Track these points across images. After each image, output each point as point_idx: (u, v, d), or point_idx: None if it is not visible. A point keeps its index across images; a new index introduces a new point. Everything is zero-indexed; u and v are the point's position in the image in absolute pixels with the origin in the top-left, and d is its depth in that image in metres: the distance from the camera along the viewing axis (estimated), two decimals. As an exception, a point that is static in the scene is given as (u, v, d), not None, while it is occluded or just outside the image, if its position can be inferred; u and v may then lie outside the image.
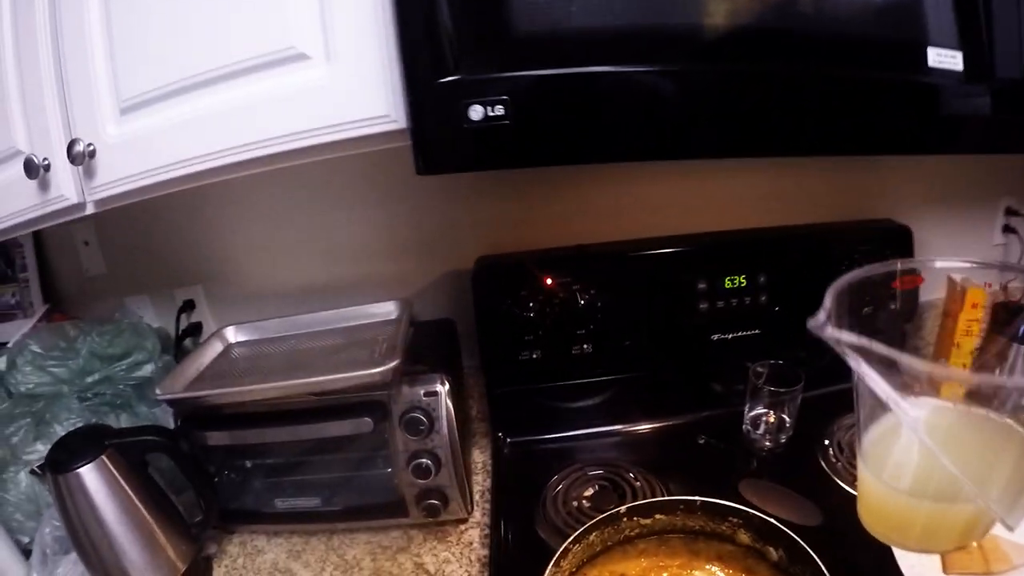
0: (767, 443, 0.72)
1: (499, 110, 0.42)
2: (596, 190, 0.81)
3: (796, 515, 0.58)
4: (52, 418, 0.68)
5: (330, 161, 0.52)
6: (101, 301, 0.86)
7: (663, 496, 0.63)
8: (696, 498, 0.53)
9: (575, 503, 0.65)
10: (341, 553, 0.66)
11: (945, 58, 0.52)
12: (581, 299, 0.73)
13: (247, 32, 0.50)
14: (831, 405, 0.71)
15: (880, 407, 0.35)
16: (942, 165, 0.84)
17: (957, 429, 0.38)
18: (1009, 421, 0.36)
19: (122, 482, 0.58)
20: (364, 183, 0.79)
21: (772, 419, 0.72)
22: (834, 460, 0.69)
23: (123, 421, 0.72)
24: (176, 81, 0.52)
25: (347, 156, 0.51)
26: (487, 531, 0.66)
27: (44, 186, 0.57)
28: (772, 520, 0.50)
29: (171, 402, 0.64)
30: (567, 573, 0.50)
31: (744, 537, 0.52)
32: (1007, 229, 0.88)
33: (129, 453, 0.60)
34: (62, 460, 0.57)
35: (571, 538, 0.50)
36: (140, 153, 0.55)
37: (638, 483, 0.66)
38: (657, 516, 0.54)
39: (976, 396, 0.38)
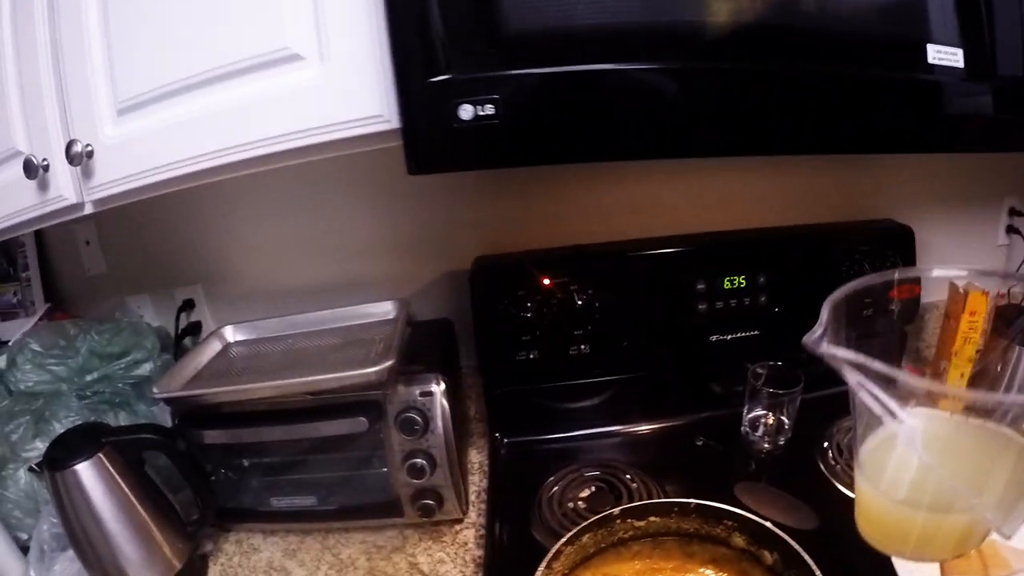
0: (766, 445, 0.72)
1: (489, 109, 0.41)
2: (594, 190, 0.80)
3: (792, 519, 0.57)
4: (51, 416, 0.69)
5: (329, 161, 0.52)
6: (102, 300, 0.87)
7: (659, 498, 0.63)
8: (691, 500, 0.53)
9: (571, 504, 0.64)
10: (336, 552, 0.66)
11: (945, 55, 0.51)
12: (579, 299, 0.72)
13: (242, 33, 0.50)
14: (831, 407, 0.70)
15: (877, 417, 0.35)
16: (944, 164, 0.83)
17: (954, 439, 0.38)
18: (1006, 430, 0.36)
19: (119, 480, 0.59)
20: (363, 183, 0.80)
21: (771, 421, 0.72)
22: (833, 463, 0.68)
23: (122, 419, 0.73)
24: (173, 82, 0.53)
25: (346, 156, 0.51)
26: (482, 532, 0.66)
27: (43, 186, 0.58)
28: (767, 524, 0.50)
29: (168, 401, 0.64)
30: (559, 575, 0.50)
31: (739, 540, 0.52)
32: (1011, 230, 0.87)
33: (126, 451, 0.60)
34: (59, 457, 0.58)
35: (563, 540, 0.50)
36: (137, 154, 0.55)
37: (635, 485, 0.66)
38: (651, 518, 0.53)
39: (974, 408, 0.38)
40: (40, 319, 0.84)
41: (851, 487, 0.60)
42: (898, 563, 0.51)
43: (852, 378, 0.34)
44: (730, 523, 0.52)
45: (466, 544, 0.65)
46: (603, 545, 0.53)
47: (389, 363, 0.59)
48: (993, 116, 0.54)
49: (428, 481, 0.63)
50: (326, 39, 0.48)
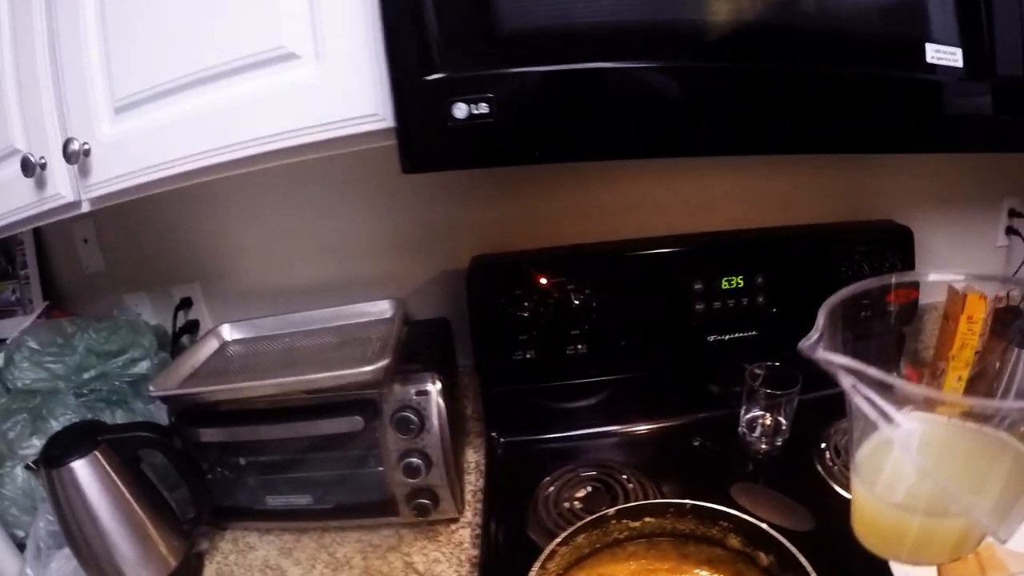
0: (763, 446, 0.72)
1: (483, 108, 0.41)
2: (592, 190, 0.80)
3: (788, 520, 0.57)
4: (48, 414, 0.69)
5: (327, 159, 0.52)
6: (100, 298, 0.87)
7: (656, 498, 0.63)
8: (686, 501, 0.53)
9: (566, 504, 0.64)
10: (332, 551, 0.66)
11: (944, 55, 0.51)
12: (576, 299, 0.72)
13: (239, 31, 0.50)
14: (828, 408, 0.69)
15: (873, 422, 0.35)
16: (944, 165, 0.83)
17: (950, 443, 0.38)
18: (1003, 435, 0.36)
19: (115, 477, 0.59)
20: (361, 182, 0.79)
21: (768, 422, 0.71)
22: (830, 464, 0.68)
23: (119, 417, 0.73)
24: (170, 80, 0.53)
25: (344, 154, 0.51)
26: (478, 531, 0.66)
27: (40, 184, 0.58)
28: (763, 525, 0.50)
29: (164, 399, 0.64)
30: (554, 575, 0.50)
31: (734, 542, 0.51)
32: (1010, 231, 0.87)
33: (122, 449, 0.60)
34: (56, 455, 0.58)
35: (558, 540, 0.50)
36: (134, 152, 0.55)
37: (631, 485, 0.66)
38: (646, 519, 0.53)
39: (972, 413, 0.38)
40: (38, 317, 0.84)
41: (848, 489, 0.60)
42: (895, 566, 0.51)
43: (847, 383, 0.34)
44: (726, 524, 0.51)
45: (462, 544, 0.65)
46: (598, 545, 0.53)
47: (385, 362, 0.59)
48: (992, 116, 0.53)
49: (424, 480, 0.63)
50: (322, 38, 0.48)
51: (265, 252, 0.84)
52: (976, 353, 0.72)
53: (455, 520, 0.68)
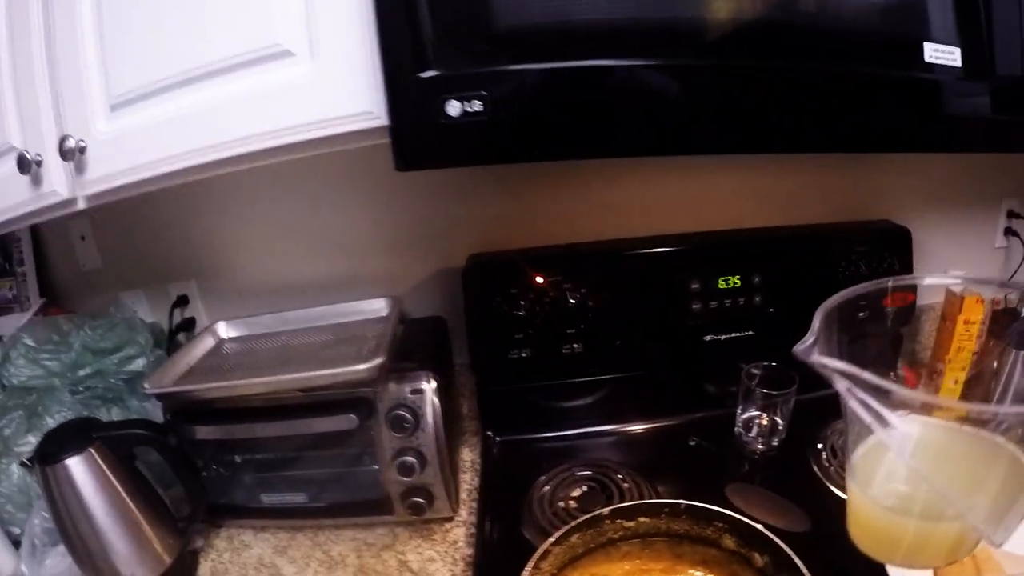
0: (759, 446, 0.71)
1: (477, 106, 0.41)
2: (589, 188, 0.80)
3: (783, 521, 0.57)
4: (44, 411, 0.69)
5: (323, 157, 0.52)
6: (97, 295, 0.87)
7: (651, 498, 0.62)
8: (681, 501, 0.52)
9: (561, 504, 0.64)
10: (326, 549, 0.66)
11: (942, 54, 0.51)
12: (572, 298, 0.72)
13: (234, 29, 0.50)
14: (825, 409, 0.68)
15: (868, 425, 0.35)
16: (943, 166, 0.82)
17: (946, 446, 0.38)
18: (999, 439, 0.36)
19: (109, 475, 0.59)
20: (358, 179, 0.79)
21: (765, 422, 0.71)
22: (827, 464, 0.68)
23: (114, 415, 0.73)
24: (165, 78, 0.53)
25: (340, 152, 0.51)
26: (473, 530, 0.65)
27: (36, 181, 0.58)
28: (757, 526, 0.49)
29: (159, 396, 0.64)
30: (548, 575, 0.50)
31: (729, 542, 0.51)
32: (1008, 232, 0.87)
33: (117, 446, 0.60)
34: (50, 452, 0.58)
35: (551, 540, 0.50)
36: (129, 149, 0.55)
37: (626, 484, 0.66)
38: (641, 519, 0.53)
39: (969, 417, 0.38)
40: (35, 314, 0.84)
41: (844, 490, 0.59)
42: (891, 568, 0.50)
43: (843, 387, 0.34)
44: (721, 524, 0.51)
45: (456, 543, 0.65)
46: (592, 545, 0.53)
47: (379, 360, 0.59)
48: (991, 116, 0.53)
49: (418, 479, 0.63)
50: (316, 35, 0.48)
51: (262, 250, 0.84)
52: (973, 354, 0.72)
53: (450, 519, 0.68)
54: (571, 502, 0.64)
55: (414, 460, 0.62)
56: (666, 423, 0.77)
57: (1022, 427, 0.35)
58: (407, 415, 0.61)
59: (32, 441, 0.66)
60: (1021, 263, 0.86)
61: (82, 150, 0.55)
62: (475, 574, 0.59)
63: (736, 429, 0.73)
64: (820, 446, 0.70)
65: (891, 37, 0.50)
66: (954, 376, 0.74)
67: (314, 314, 0.76)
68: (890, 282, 0.42)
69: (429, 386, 0.62)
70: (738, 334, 0.76)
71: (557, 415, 0.78)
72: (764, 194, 0.82)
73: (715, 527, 0.52)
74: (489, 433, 0.78)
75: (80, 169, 0.57)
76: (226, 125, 0.52)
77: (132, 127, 0.55)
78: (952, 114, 0.53)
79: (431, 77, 0.42)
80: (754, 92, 0.48)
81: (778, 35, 0.47)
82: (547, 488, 0.67)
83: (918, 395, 0.34)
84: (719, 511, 0.51)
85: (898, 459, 0.36)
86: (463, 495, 0.71)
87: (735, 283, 0.75)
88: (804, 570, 0.45)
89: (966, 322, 0.71)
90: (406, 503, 0.65)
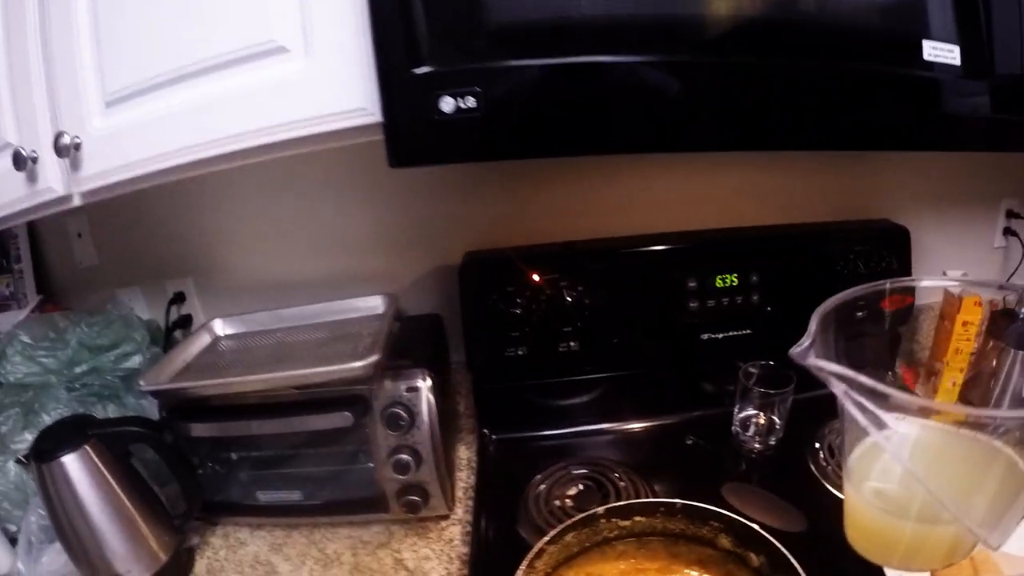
0: (756, 445, 0.71)
1: (471, 102, 0.41)
2: (586, 186, 0.80)
3: (779, 521, 0.57)
4: (40, 408, 0.69)
5: (321, 154, 0.52)
6: (94, 293, 0.87)
7: (648, 497, 0.62)
8: (676, 500, 0.52)
9: (557, 502, 0.64)
10: (322, 547, 0.66)
11: (941, 52, 0.50)
12: (568, 296, 0.72)
13: (230, 25, 0.50)
14: (823, 408, 0.67)
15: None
16: (942, 165, 0.82)
17: (943, 449, 0.38)
18: (996, 443, 0.36)
19: (104, 472, 0.59)
20: (355, 177, 0.79)
21: (762, 421, 0.71)
22: (824, 464, 0.67)
23: (110, 412, 0.73)
24: (160, 74, 0.53)
25: (337, 149, 0.51)
26: (469, 528, 0.65)
27: (32, 178, 0.58)
28: (753, 525, 0.49)
29: (155, 393, 0.64)
30: (542, 574, 0.50)
31: (725, 542, 0.51)
32: (1008, 232, 0.86)
33: (112, 443, 0.60)
34: (46, 449, 0.58)
35: (546, 538, 0.50)
36: (124, 146, 0.55)
37: (622, 483, 0.65)
38: (636, 518, 0.53)
39: (967, 421, 0.38)
40: (32, 311, 0.84)
41: (842, 490, 0.59)
42: (888, 569, 0.50)
43: (839, 390, 0.34)
44: (716, 524, 0.51)
45: (452, 541, 0.65)
46: (587, 544, 0.53)
47: (375, 358, 0.59)
48: (991, 115, 0.53)
49: (413, 477, 0.63)
50: (311, 31, 0.48)
51: (259, 247, 0.84)
52: (972, 354, 0.71)
53: (446, 517, 0.68)
54: (567, 501, 0.64)
55: (409, 458, 0.62)
56: (663, 422, 0.77)
57: (1020, 430, 0.35)
58: (402, 413, 0.61)
59: (28, 438, 0.66)
60: (1020, 263, 0.85)
61: (77, 147, 0.55)
62: (471, 572, 0.59)
63: (733, 428, 0.72)
64: (817, 445, 0.70)
65: (890, 34, 0.50)
66: (952, 377, 0.73)
67: (310, 311, 0.76)
68: (888, 284, 0.42)
69: (425, 384, 0.62)
70: (736, 333, 0.76)
71: (554, 413, 0.78)
72: (762, 193, 0.81)
73: (711, 527, 0.51)
74: (485, 431, 0.78)
75: (75, 166, 0.56)
76: (221, 122, 0.52)
77: (127, 124, 0.55)
78: (951, 112, 0.53)
79: (425, 73, 0.42)
80: (754, 89, 0.48)
81: (778, 32, 0.47)
82: (543, 487, 0.67)
83: (916, 400, 0.34)
84: (715, 510, 0.51)
85: (895, 462, 0.36)
86: (459, 493, 0.71)
87: (733, 282, 0.75)
88: (800, 570, 0.45)
89: (964, 324, 0.71)
90: (401, 501, 0.65)
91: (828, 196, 0.82)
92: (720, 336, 0.76)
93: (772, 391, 0.69)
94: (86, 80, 0.55)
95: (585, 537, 0.52)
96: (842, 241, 0.76)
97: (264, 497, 0.67)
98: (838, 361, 0.36)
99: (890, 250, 0.76)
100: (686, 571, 0.51)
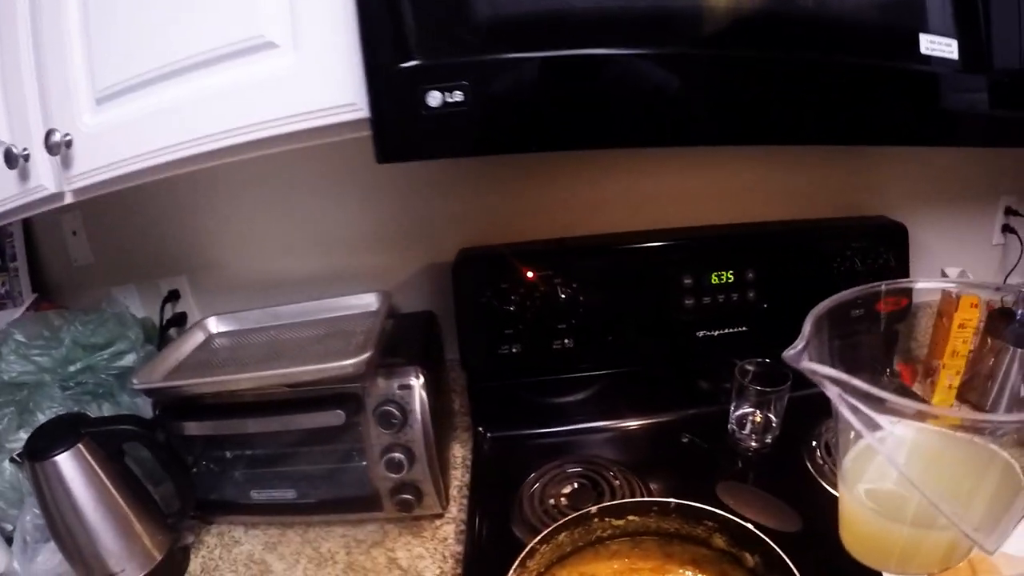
0: (753, 443, 0.71)
1: (457, 96, 0.40)
2: (580, 182, 0.79)
3: (775, 520, 0.57)
4: (35, 407, 0.69)
5: (314, 152, 0.51)
6: (89, 290, 0.87)
7: (642, 496, 0.62)
8: (670, 500, 0.52)
9: (551, 501, 0.64)
10: (316, 546, 0.66)
11: (939, 46, 0.50)
12: (563, 293, 0.71)
13: (218, 21, 0.49)
14: (819, 405, 0.67)
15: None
16: (940, 161, 0.81)
17: (939, 453, 0.38)
18: (992, 446, 0.35)
19: (98, 471, 0.59)
20: (348, 173, 0.79)
21: (758, 418, 0.71)
22: (820, 462, 0.67)
23: (105, 410, 0.73)
24: (150, 70, 0.52)
25: (330, 145, 0.51)
26: (463, 527, 0.65)
27: (24, 176, 0.58)
28: (748, 525, 0.49)
29: (148, 392, 0.64)
30: (534, 573, 0.49)
31: (719, 541, 0.51)
32: (1006, 229, 0.86)
33: (105, 442, 0.60)
34: (39, 448, 0.58)
35: (538, 538, 0.49)
36: (115, 143, 0.55)
37: (617, 482, 0.65)
38: (630, 517, 0.52)
39: (964, 425, 0.37)
40: (27, 309, 0.84)
41: (837, 487, 0.59)
42: (884, 573, 0.50)
43: (833, 393, 0.33)
44: (711, 524, 0.51)
45: (446, 539, 0.65)
46: (580, 544, 0.52)
47: (367, 355, 0.59)
48: (989, 110, 0.52)
49: (406, 475, 0.63)
50: (300, 26, 0.47)
51: (253, 245, 0.84)
52: (969, 353, 0.71)
53: (439, 515, 0.67)
54: (562, 499, 0.64)
55: (402, 456, 0.62)
56: (658, 420, 0.77)
57: (1017, 434, 0.34)
58: (395, 411, 0.61)
59: (23, 437, 0.66)
60: (1018, 260, 0.85)
61: (68, 144, 0.55)
62: (465, 571, 0.59)
63: (729, 426, 0.72)
64: (814, 443, 0.69)
65: (887, 28, 0.49)
66: (949, 379, 0.73)
67: (304, 309, 0.75)
68: (883, 286, 0.42)
69: (417, 382, 0.62)
70: (731, 330, 0.76)
71: (548, 411, 0.78)
72: (758, 189, 0.81)
73: (705, 526, 0.51)
74: (480, 429, 0.77)
75: (66, 163, 0.56)
76: (211, 118, 0.51)
77: (118, 120, 0.54)
78: (949, 107, 0.52)
79: (411, 67, 0.41)
80: (751, 83, 0.47)
81: (775, 26, 0.47)
82: (538, 485, 0.66)
83: (911, 403, 0.34)
84: (709, 510, 0.51)
85: (890, 466, 0.35)
86: (454, 491, 0.71)
87: (729, 278, 0.74)
88: (795, 570, 0.45)
89: (961, 325, 0.70)
90: (395, 500, 0.64)
91: (825, 192, 0.81)
92: (716, 333, 0.75)
93: (768, 389, 0.68)
94: (77, 77, 0.54)
95: (578, 536, 0.52)
96: (839, 238, 0.75)
97: (258, 496, 0.67)
98: (833, 363, 0.36)
99: (888, 247, 0.75)
100: (680, 571, 0.51)
